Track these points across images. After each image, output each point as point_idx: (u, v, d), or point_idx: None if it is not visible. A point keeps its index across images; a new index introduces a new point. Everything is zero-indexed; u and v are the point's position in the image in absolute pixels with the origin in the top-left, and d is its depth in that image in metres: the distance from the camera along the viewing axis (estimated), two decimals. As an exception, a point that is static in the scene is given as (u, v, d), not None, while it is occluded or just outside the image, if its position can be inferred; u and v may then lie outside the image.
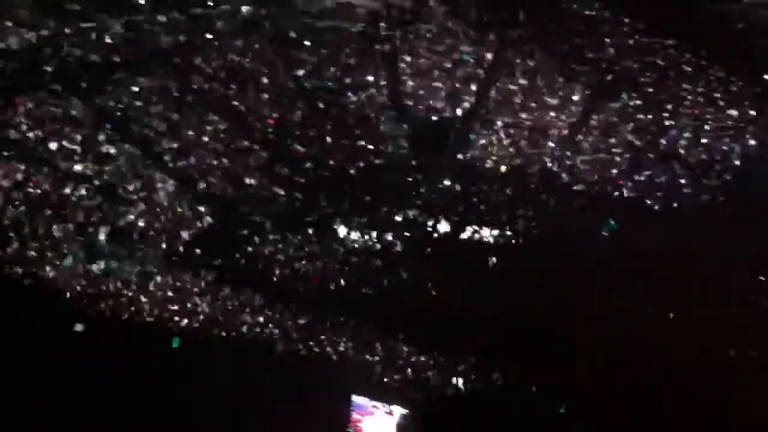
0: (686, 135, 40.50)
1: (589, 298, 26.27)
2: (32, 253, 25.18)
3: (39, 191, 29.32)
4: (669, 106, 41.94)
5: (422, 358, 22.15)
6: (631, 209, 35.67)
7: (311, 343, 22.04)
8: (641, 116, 42.02)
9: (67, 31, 38.78)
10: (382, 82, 48.20)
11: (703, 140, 39.94)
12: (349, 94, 46.48)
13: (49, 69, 36.56)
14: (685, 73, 43.59)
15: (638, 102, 42.92)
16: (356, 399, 17.96)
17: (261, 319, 23.62)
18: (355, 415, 18.46)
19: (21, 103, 33.87)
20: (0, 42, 35.64)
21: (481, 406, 21.63)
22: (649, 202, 36.99)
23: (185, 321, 22.78)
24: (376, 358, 21.77)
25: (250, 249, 30.48)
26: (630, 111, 42.88)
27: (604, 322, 24.56)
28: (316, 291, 27.13)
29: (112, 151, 33.90)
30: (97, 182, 31.61)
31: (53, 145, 32.54)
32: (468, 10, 50.86)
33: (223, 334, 22.46)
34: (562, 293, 26.61)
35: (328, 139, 43.32)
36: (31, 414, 14.82)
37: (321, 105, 45.46)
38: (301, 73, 47.43)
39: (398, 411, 18.45)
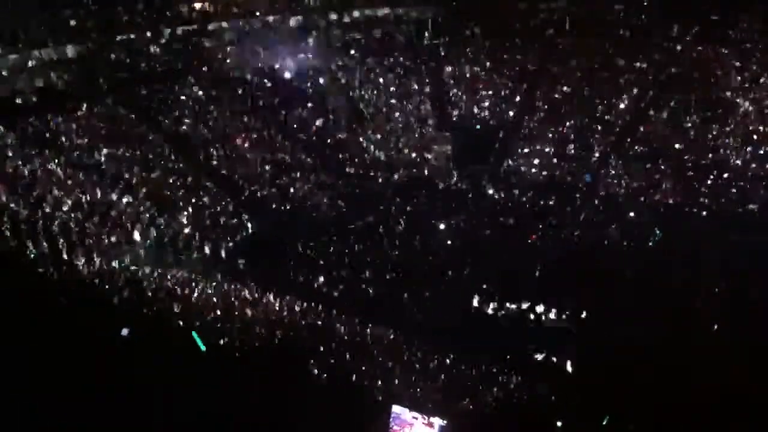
0: (736, 144, 39.83)
1: (636, 308, 25.89)
2: (80, 257, 25.67)
3: (87, 197, 29.91)
4: (719, 115, 41.39)
5: (462, 370, 21.98)
6: (678, 217, 35.38)
7: (352, 352, 21.99)
8: (690, 125, 41.51)
9: (118, 41, 39.87)
10: (427, 92, 48.45)
11: (751, 149, 39.19)
12: (394, 103, 46.83)
13: (100, 78, 37.57)
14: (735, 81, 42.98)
15: (687, 110, 42.42)
16: (396, 409, 17.86)
17: (302, 326, 23.70)
18: (394, 426, 18.34)
19: (73, 111, 34.82)
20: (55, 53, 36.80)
21: (521, 418, 21.39)
22: (695, 210, 36.51)
23: (223, 327, 22.91)
24: (417, 369, 21.66)
25: (293, 256, 30.70)
26: (678, 120, 42.44)
27: (646, 333, 24.20)
28: (358, 299, 27.20)
29: (160, 159, 34.70)
30: (143, 190, 32.29)
31: (103, 152, 33.37)
32: (512, 20, 50.91)
33: (263, 342, 22.53)
34: (609, 303, 26.27)
35: (372, 147, 43.71)
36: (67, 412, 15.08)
37: (366, 113, 45.86)
38: (347, 82, 47.99)
39: (438, 422, 18.27)
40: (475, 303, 27.35)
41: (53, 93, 35.26)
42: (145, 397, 16.49)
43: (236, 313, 24.27)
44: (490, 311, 26.81)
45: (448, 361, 22.82)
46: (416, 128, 44.63)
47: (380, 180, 39.90)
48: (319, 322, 24.21)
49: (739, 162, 38.57)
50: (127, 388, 16.68)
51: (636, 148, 41.02)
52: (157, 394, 16.60)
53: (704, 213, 35.78)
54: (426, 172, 41.36)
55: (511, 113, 46.32)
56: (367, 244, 32.00)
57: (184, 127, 38.03)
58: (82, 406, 15.64)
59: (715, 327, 25.22)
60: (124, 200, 30.98)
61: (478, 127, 45.87)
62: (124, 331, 20.13)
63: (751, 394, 20.30)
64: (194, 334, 20.97)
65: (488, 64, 48.97)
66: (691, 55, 44.72)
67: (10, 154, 30.09)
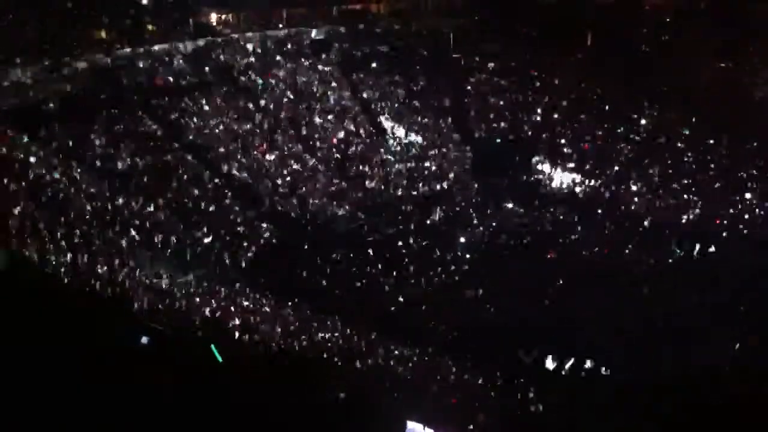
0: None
1: (654, 325, 25.79)
2: (100, 265, 25.83)
3: (108, 206, 30.16)
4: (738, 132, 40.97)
5: (478, 385, 21.83)
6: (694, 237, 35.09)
7: (368, 366, 21.86)
8: (709, 143, 41.17)
9: (139, 52, 40.27)
10: (447, 104, 48.48)
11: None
12: (414, 116, 46.91)
13: (122, 88, 37.92)
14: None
15: (705, 129, 42.07)
16: (411, 425, 17.70)
17: (317, 339, 23.64)
18: (409, 441, 18.19)
19: (95, 120, 35.17)
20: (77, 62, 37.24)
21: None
22: (712, 229, 36.15)
23: (238, 338, 22.86)
24: (432, 384, 21.50)
25: (310, 267, 30.73)
26: (698, 138, 42.11)
27: (661, 348, 24.12)
28: (374, 313, 27.20)
29: (180, 168, 34.96)
30: (164, 197, 32.51)
31: (125, 162, 33.69)
32: (532, 32, 50.89)
33: (276, 354, 22.43)
34: (623, 319, 26.17)
35: (392, 159, 43.73)
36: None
37: (385, 126, 45.99)
38: (366, 95, 48.15)
39: (453, 437, 18.14)
40: (491, 318, 27.30)
41: (76, 103, 35.59)
42: (158, 408, 16.53)
43: (251, 324, 24.34)
44: (505, 326, 26.67)
45: (463, 376, 22.71)
46: (436, 141, 44.70)
47: (400, 192, 39.93)
48: (335, 335, 24.23)
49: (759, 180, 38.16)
50: (141, 398, 16.72)
51: (657, 164, 40.76)
52: (170, 404, 16.65)
53: (724, 233, 35.41)
54: (446, 185, 41.33)
55: (530, 127, 46.30)
56: (385, 256, 32.04)
57: (205, 137, 38.27)
58: (96, 414, 15.70)
59: (731, 345, 25.09)
60: (145, 209, 31.22)
61: (498, 140, 45.84)
62: (144, 339, 20.23)
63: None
64: (212, 347, 21.00)
65: (508, 76, 49.02)
66: (713, 73, 44.42)
67: (33, 161, 30.41)
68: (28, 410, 15.25)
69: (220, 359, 20.51)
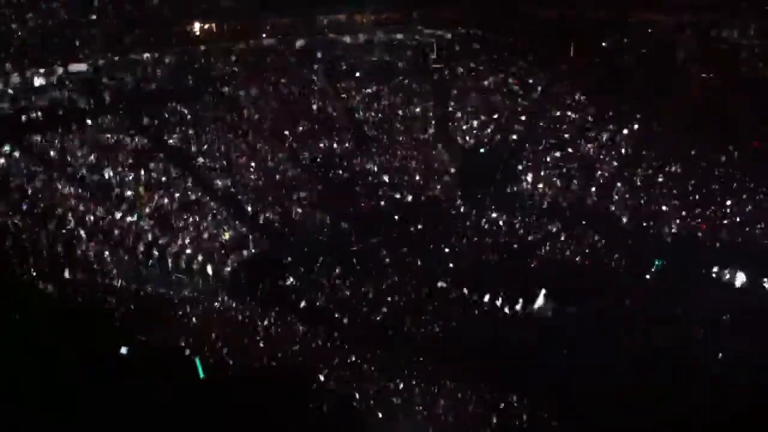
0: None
1: (647, 337, 25.77)
2: (80, 275, 25.65)
3: (91, 216, 29.96)
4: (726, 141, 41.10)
5: (462, 399, 21.63)
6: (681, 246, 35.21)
7: (350, 380, 21.57)
8: (696, 151, 41.30)
9: (124, 60, 40.17)
10: (431, 115, 48.62)
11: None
12: (398, 126, 46.97)
13: (105, 97, 37.77)
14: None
15: (691, 140, 42.19)
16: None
17: (300, 351, 23.37)
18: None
19: (78, 129, 34.95)
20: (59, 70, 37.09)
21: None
22: (697, 237, 36.23)
23: (222, 349, 22.64)
24: (415, 399, 21.26)
25: (294, 278, 30.54)
26: (684, 146, 42.24)
27: (659, 366, 24.07)
28: (358, 324, 27.01)
29: (163, 178, 34.77)
30: (147, 209, 32.31)
31: (107, 172, 33.46)
32: (517, 43, 51.21)
33: (260, 366, 22.23)
34: (615, 334, 26.09)
35: (376, 169, 43.81)
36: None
37: (371, 135, 46.03)
38: (352, 104, 48.21)
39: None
40: (476, 325, 27.18)
41: (59, 111, 35.43)
42: (140, 420, 16.32)
43: (235, 335, 24.13)
44: (492, 334, 26.55)
45: (449, 387, 22.47)
46: (421, 150, 44.74)
47: (383, 202, 39.83)
48: (319, 346, 24.01)
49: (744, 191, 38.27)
50: (123, 408, 16.51)
51: (641, 174, 40.90)
52: (153, 416, 16.43)
53: (707, 243, 35.47)
54: (430, 194, 41.30)
55: (516, 136, 46.51)
56: (368, 266, 31.88)
57: (188, 147, 38.12)
58: (76, 424, 15.49)
59: (716, 353, 25.11)
60: (127, 219, 31.03)
61: (482, 150, 45.97)
62: (123, 350, 20.02)
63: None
64: (197, 360, 20.82)
65: (494, 86, 49.30)
66: (699, 85, 44.75)
67: (15, 170, 30.22)
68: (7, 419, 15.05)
69: (202, 374, 20.31)
